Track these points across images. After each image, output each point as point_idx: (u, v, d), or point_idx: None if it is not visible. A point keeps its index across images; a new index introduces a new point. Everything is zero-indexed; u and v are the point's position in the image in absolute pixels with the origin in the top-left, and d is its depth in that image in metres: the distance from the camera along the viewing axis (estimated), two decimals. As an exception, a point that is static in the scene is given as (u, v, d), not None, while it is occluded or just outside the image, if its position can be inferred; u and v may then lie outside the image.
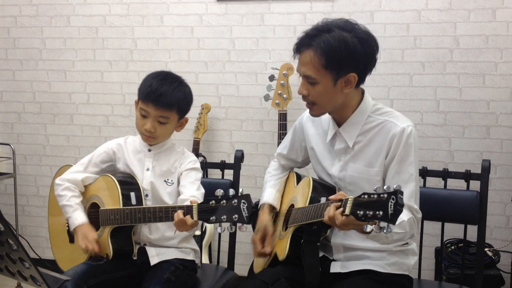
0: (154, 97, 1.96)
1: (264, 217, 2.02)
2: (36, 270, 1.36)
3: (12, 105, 3.63)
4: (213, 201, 1.67)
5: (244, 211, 1.63)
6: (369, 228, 1.44)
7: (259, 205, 2.10)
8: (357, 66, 1.75)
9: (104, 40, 3.44)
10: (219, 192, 1.67)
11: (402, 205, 1.39)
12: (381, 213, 1.39)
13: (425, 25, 3.02)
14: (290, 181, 2.11)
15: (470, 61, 2.99)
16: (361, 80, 1.80)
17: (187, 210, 1.74)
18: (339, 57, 1.71)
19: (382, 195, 1.40)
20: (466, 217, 2.14)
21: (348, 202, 1.50)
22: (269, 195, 2.08)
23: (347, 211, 1.49)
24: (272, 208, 2.06)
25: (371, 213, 1.41)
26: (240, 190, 1.67)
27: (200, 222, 1.86)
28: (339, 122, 1.88)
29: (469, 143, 3.03)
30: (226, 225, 1.67)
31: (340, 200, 1.55)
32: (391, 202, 1.38)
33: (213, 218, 1.66)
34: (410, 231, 1.72)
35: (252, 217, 1.72)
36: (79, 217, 2.01)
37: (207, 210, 1.68)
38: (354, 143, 1.84)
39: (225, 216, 1.65)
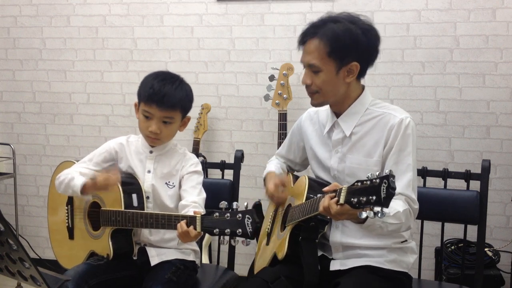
0: (158, 98, 1.95)
1: (272, 174, 2.07)
2: (36, 270, 1.36)
3: (12, 105, 3.63)
4: (217, 214, 1.67)
5: (248, 226, 1.64)
6: (364, 214, 1.45)
7: (263, 176, 2.14)
8: (359, 55, 1.81)
9: (104, 40, 3.44)
10: (223, 204, 1.68)
11: (394, 188, 1.40)
12: (374, 197, 1.41)
13: (425, 25, 3.02)
14: (287, 182, 2.10)
15: (470, 61, 2.99)
16: (363, 70, 1.85)
17: (190, 220, 1.74)
18: (343, 46, 1.77)
19: (374, 180, 1.43)
20: (466, 217, 2.15)
21: (342, 191, 1.52)
22: (276, 170, 2.12)
23: (342, 200, 1.51)
24: None
25: (364, 199, 1.44)
26: (245, 204, 1.68)
27: None
28: (338, 114, 1.91)
29: (469, 143, 3.03)
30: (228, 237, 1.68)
31: (335, 191, 1.57)
32: (384, 186, 1.40)
33: (216, 230, 1.67)
34: (406, 222, 1.73)
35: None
36: (80, 179, 1.96)
37: (211, 222, 1.69)
38: (351, 133, 1.87)
39: (228, 230, 1.65)
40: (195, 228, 1.72)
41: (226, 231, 1.65)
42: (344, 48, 1.78)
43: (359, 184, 1.47)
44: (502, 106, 2.98)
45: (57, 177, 2.07)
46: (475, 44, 2.97)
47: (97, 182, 1.91)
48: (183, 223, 1.75)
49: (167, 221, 1.82)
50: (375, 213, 1.42)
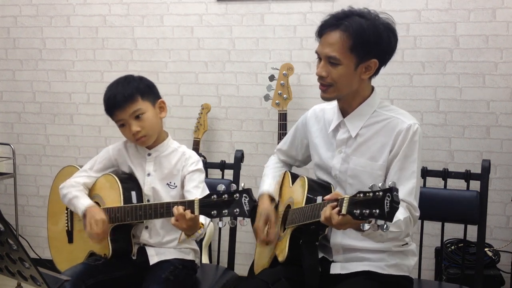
0: (112, 102, 1.97)
1: (265, 205, 1.99)
2: (36, 270, 1.36)
3: (12, 105, 3.63)
4: (215, 196, 1.67)
5: (245, 205, 1.64)
6: (366, 226, 1.44)
7: (257, 197, 2.08)
8: (380, 53, 1.78)
9: (104, 40, 3.44)
10: (221, 187, 1.68)
11: (398, 202, 1.39)
12: (377, 211, 1.39)
13: (425, 25, 3.02)
14: (285, 181, 2.09)
15: (470, 61, 2.99)
16: (379, 69, 1.83)
17: (189, 205, 1.74)
18: (367, 41, 1.74)
19: (377, 193, 1.40)
20: (466, 217, 2.14)
21: (344, 201, 1.50)
22: (268, 186, 2.06)
23: (344, 211, 1.49)
24: (271, 198, 2.03)
25: (367, 211, 1.41)
26: (242, 184, 1.68)
27: (206, 223, 1.85)
28: (345, 112, 1.89)
29: (469, 143, 3.03)
30: (227, 219, 1.67)
31: (336, 200, 1.55)
32: (387, 199, 1.38)
33: (214, 212, 1.66)
34: (405, 230, 1.71)
35: (252, 213, 1.72)
36: (84, 202, 1.99)
37: (209, 205, 1.68)
38: (357, 135, 1.84)
39: (226, 211, 1.65)
40: (193, 212, 1.72)
41: (223, 212, 1.65)
42: (368, 44, 1.74)
43: (361, 195, 1.45)
44: (502, 106, 2.98)
45: (60, 187, 2.09)
46: (475, 44, 2.97)
47: (94, 225, 1.92)
48: (180, 207, 1.75)
49: (166, 209, 1.82)
50: (379, 226, 1.40)
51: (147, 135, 2.00)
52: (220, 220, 1.68)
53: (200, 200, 1.71)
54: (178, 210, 1.75)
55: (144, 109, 1.98)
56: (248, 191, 1.65)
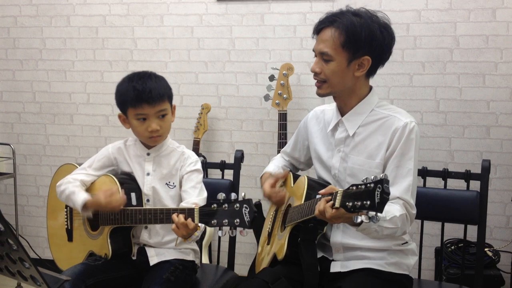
0: (146, 96, 1.94)
1: (267, 175, 2.07)
2: (36, 270, 1.36)
3: (12, 105, 3.63)
4: (215, 205, 1.68)
5: (246, 215, 1.64)
6: (359, 219, 1.46)
7: (261, 175, 2.15)
8: (373, 51, 1.80)
9: (104, 40, 3.44)
10: (221, 195, 1.68)
11: (388, 194, 1.40)
12: (368, 202, 1.41)
13: (425, 25, 3.02)
14: (287, 182, 2.11)
15: (470, 61, 2.99)
16: (374, 67, 1.85)
17: (189, 213, 1.75)
18: (358, 38, 1.77)
19: (369, 184, 1.43)
20: (466, 217, 2.15)
21: (338, 194, 1.52)
22: (272, 169, 2.14)
23: (337, 204, 1.51)
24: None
25: (359, 203, 1.44)
26: (242, 194, 1.68)
27: (202, 226, 1.86)
28: (343, 111, 1.91)
29: (469, 143, 3.03)
30: (227, 228, 1.67)
31: (331, 194, 1.57)
32: (378, 191, 1.40)
33: (214, 221, 1.67)
34: (402, 227, 1.72)
35: (254, 221, 1.74)
36: (82, 196, 1.95)
37: (209, 214, 1.69)
38: (354, 133, 1.86)
39: (226, 220, 1.66)
40: (193, 221, 1.73)
41: (224, 221, 1.66)
42: (359, 41, 1.77)
43: (354, 188, 1.47)
44: (502, 106, 2.98)
45: (57, 184, 2.08)
46: (475, 44, 2.97)
47: (100, 204, 1.90)
48: (181, 216, 1.75)
49: (166, 215, 1.82)
50: (370, 218, 1.43)
51: (162, 135, 2.02)
52: (220, 229, 1.68)
53: (200, 208, 1.72)
54: (179, 219, 1.75)
55: (168, 110, 2.01)
56: (249, 202, 1.66)
